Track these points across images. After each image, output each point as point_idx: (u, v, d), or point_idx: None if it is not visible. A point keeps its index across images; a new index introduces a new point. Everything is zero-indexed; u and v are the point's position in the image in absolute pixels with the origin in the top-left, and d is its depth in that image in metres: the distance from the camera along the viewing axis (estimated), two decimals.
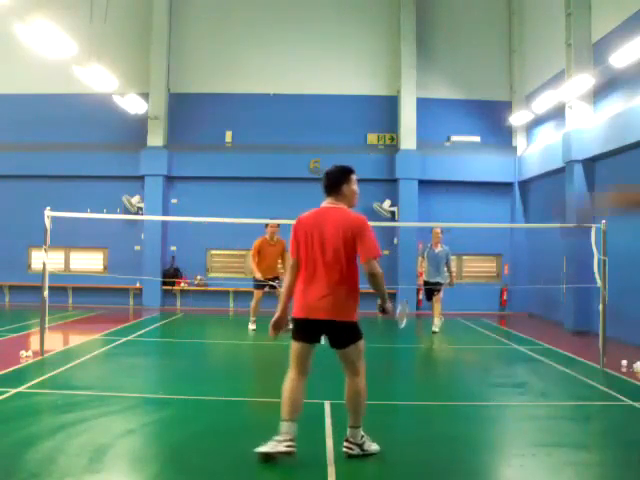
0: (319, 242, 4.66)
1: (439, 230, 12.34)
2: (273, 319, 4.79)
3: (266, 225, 12.06)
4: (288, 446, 4.52)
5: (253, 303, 12.33)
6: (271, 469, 4.59)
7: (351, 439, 4.75)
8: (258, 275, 11.98)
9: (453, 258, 17.21)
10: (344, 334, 4.65)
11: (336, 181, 4.95)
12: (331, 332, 4.66)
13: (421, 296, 16.59)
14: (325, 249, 4.63)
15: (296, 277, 4.72)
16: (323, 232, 4.68)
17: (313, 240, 4.67)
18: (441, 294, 12.17)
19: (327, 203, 4.89)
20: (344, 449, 4.74)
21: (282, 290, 4.83)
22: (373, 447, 4.81)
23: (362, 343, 4.71)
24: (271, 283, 12.09)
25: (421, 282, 12.65)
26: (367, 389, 4.72)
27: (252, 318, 12.27)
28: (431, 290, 12.16)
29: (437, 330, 11.93)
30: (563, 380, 8.06)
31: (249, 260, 12.61)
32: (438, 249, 12.19)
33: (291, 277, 4.75)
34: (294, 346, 4.74)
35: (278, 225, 11.92)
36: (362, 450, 4.75)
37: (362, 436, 4.77)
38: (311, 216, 4.82)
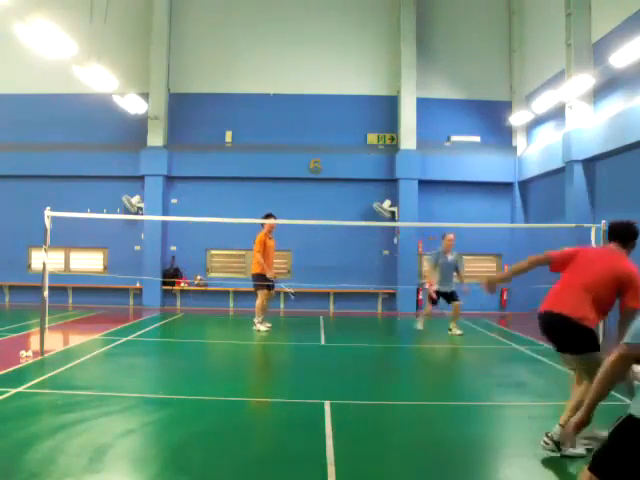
0: (588, 269, 4.94)
1: (453, 236, 11.83)
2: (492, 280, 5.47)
3: (263, 224, 12.02)
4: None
5: (260, 302, 12.07)
6: (271, 469, 4.59)
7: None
8: (271, 274, 12.03)
9: None
10: None
11: (623, 237, 5.12)
12: None
13: (421, 296, 16.64)
14: (588, 277, 4.89)
15: (533, 266, 5.40)
16: (595, 263, 4.98)
17: (585, 264, 5.00)
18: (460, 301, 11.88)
19: (613, 245, 5.14)
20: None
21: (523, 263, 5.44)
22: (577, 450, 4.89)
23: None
24: (270, 285, 12.01)
25: (432, 290, 11.74)
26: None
27: (259, 318, 12.08)
28: (445, 295, 11.80)
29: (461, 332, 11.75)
30: (563, 380, 8.05)
31: (257, 257, 12.03)
32: (451, 256, 11.81)
33: (531, 266, 5.42)
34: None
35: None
36: (558, 449, 4.89)
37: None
38: (596, 250, 5.67)
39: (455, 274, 11.93)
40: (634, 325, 2.94)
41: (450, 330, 11.81)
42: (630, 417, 2.85)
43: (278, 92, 17.24)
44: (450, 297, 11.85)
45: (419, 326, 12.26)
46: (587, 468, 2.93)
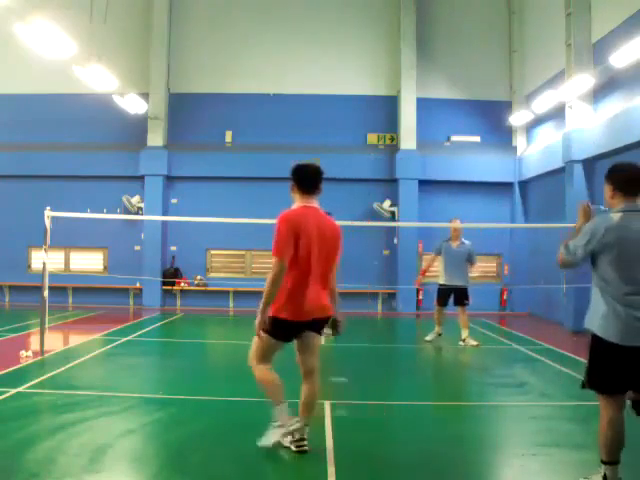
0: (320, 244, 4.72)
1: (457, 221, 10.93)
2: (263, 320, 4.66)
3: None
4: None
5: None
6: (271, 469, 4.59)
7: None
8: None
9: None
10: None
11: (322, 176, 5.05)
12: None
13: (421, 296, 16.63)
14: (325, 252, 4.76)
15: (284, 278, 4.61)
16: (324, 235, 4.78)
17: (313, 242, 4.69)
18: (470, 301, 10.70)
19: (315, 203, 4.97)
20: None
21: (270, 290, 4.57)
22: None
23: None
24: None
25: (419, 281, 11.38)
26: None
27: None
28: (448, 293, 10.69)
29: (474, 343, 10.50)
30: (563, 380, 8.06)
31: None
32: (457, 244, 10.71)
33: (282, 279, 4.59)
34: (274, 343, 4.86)
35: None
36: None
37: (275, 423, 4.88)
38: (311, 217, 4.81)
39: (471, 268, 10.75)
40: None
41: (463, 341, 10.57)
42: (593, 335, 4.09)
43: (278, 92, 17.23)
44: (458, 297, 10.66)
45: (427, 337, 10.95)
46: (582, 387, 4.22)
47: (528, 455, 4.92)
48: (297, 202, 4.94)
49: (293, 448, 4.75)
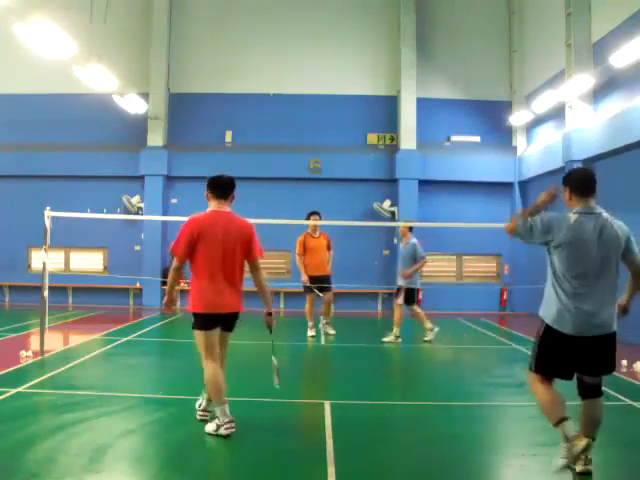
0: (225, 245, 5.22)
1: (404, 223, 11.30)
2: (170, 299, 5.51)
3: (307, 218, 11.20)
4: None
5: (307, 307, 11.50)
6: (271, 469, 4.59)
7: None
8: (305, 278, 11.22)
9: (452, 258, 17.31)
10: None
11: (232, 186, 5.54)
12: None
13: (420, 296, 16.63)
14: (230, 251, 5.25)
15: (180, 277, 5.40)
16: (230, 236, 5.25)
17: (218, 243, 5.20)
18: (399, 300, 10.87)
19: (226, 208, 5.48)
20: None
21: (169, 281, 5.38)
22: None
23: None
24: (317, 288, 11.24)
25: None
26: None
27: (310, 323, 11.46)
28: (407, 292, 10.92)
29: (386, 340, 10.77)
30: (562, 380, 8.04)
31: (296, 260, 11.49)
32: (404, 244, 10.98)
33: (177, 277, 5.35)
34: (204, 334, 5.26)
35: (319, 217, 11.23)
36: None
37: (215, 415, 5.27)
38: (219, 220, 5.35)
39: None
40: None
41: (396, 337, 10.79)
42: (546, 325, 4.38)
43: (278, 92, 17.24)
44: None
45: (426, 338, 10.83)
46: (532, 371, 4.43)
47: (528, 455, 4.93)
48: (210, 207, 5.48)
49: (222, 432, 5.10)
